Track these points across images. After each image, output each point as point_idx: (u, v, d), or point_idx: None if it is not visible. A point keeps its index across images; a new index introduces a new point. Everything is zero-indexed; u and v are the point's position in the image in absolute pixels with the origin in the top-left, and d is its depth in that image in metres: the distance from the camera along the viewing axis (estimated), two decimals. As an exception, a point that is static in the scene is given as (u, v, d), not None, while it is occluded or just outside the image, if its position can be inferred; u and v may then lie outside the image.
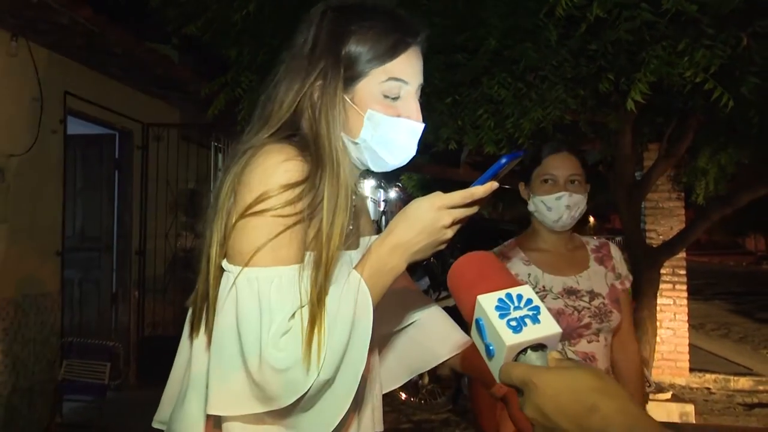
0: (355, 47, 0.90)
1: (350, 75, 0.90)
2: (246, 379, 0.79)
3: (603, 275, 1.65)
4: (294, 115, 0.92)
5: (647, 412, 0.60)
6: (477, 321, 0.70)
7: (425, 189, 10.87)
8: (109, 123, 5.05)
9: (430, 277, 5.12)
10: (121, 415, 4.31)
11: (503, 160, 0.81)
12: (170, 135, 5.60)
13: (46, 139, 4.19)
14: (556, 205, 1.57)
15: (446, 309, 1.21)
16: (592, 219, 30.43)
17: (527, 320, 0.67)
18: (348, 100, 0.90)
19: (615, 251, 1.71)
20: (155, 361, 4.96)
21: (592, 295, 1.61)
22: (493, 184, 0.81)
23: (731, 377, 5.95)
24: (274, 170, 0.83)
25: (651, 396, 4.08)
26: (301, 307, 0.81)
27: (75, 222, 5.13)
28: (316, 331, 0.78)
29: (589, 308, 1.59)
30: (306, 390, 0.77)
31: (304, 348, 0.77)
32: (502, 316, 0.67)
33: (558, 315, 1.55)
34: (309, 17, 0.95)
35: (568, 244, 1.68)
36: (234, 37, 2.95)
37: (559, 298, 1.59)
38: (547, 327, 0.67)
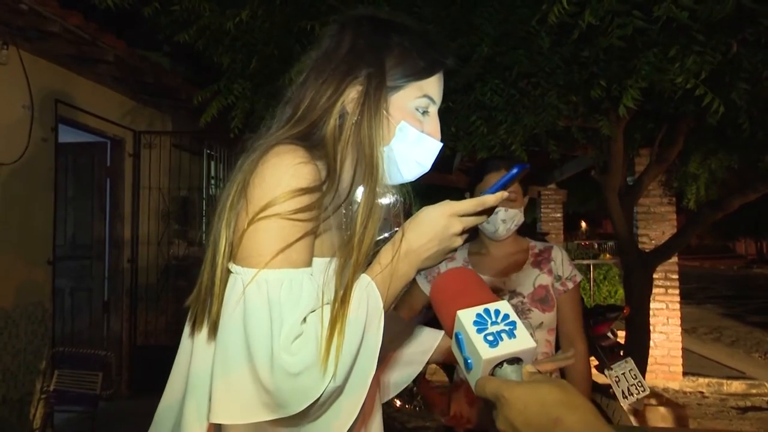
0: (397, 59, 0.91)
1: (389, 85, 0.91)
2: (254, 385, 0.76)
3: (533, 277, 1.81)
4: (319, 117, 0.91)
5: (606, 423, 0.63)
6: (456, 335, 0.73)
7: (419, 195, 10.87)
8: (101, 131, 5.02)
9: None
10: (113, 425, 4.28)
11: (514, 170, 0.83)
12: (162, 143, 5.58)
13: (37, 147, 4.16)
14: (493, 219, 1.76)
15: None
16: (584, 224, 30.59)
17: (503, 335, 0.70)
18: (383, 110, 0.91)
19: (556, 254, 1.85)
20: (148, 371, 4.92)
21: (513, 294, 1.78)
22: (503, 194, 0.83)
23: (724, 381, 5.98)
24: (288, 172, 0.81)
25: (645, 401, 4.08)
26: (314, 311, 0.79)
27: (66, 230, 5.10)
28: (336, 333, 0.76)
29: None
30: (318, 396, 0.75)
31: (323, 351, 0.76)
32: (479, 331, 0.70)
33: None
34: (340, 21, 0.96)
35: (509, 249, 1.87)
36: (227, 45, 2.95)
37: None
38: (523, 342, 0.70)
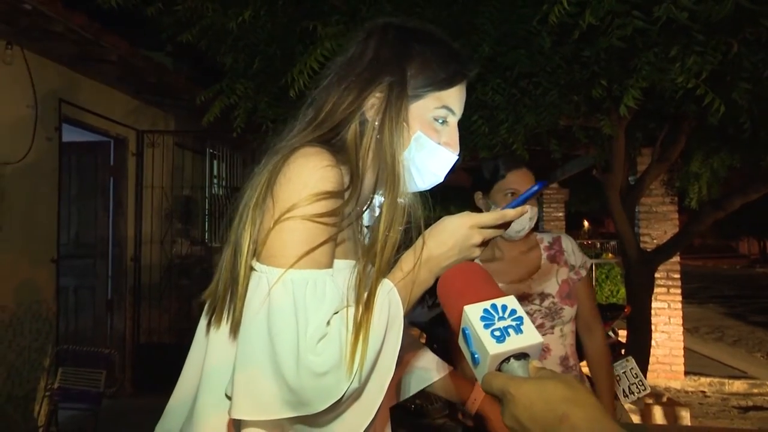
0: (417, 69, 0.92)
1: (410, 94, 0.92)
2: (276, 383, 0.77)
3: (554, 273, 1.79)
4: (340, 122, 0.92)
5: (612, 420, 0.63)
6: (464, 330, 0.73)
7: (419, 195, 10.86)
8: (104, 130, 5.05)
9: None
10: (116, 423, 4.31)
11: (535, 187, 0.87)
12: (165, 142, 5.60)
13: (41, 146, 4.18)
14: (521, 218, 1.69)
15: (439, 316, 1.26)
16: (586, 223, 30.56)
17: (510, 330, 0.70)
18: (403, 119, 0.92)
19: (567, 244, 1.85)
20: (151, 369, 4.95)
21: (543, 296, 1.75)
22: (525, 208, 0.86)
23: (726, 380, 5.98)
24: (315, 175, 0.82)
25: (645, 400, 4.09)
26: (336, 312, 0.80)
27: (70, 229, 5.12)
28: (361, 337, 0.78)
29: (540, 310, 1.72)
30: (341, 395, 0.76)
31: (348, 353, 0.77)
32: (486, 326, 0.70)
33: None
34: (366, 29, 0.97)
35: (521, 247, 1.83)
36: (229, 45, 2.96)
37: None
38: (529, 337, 0.70)
